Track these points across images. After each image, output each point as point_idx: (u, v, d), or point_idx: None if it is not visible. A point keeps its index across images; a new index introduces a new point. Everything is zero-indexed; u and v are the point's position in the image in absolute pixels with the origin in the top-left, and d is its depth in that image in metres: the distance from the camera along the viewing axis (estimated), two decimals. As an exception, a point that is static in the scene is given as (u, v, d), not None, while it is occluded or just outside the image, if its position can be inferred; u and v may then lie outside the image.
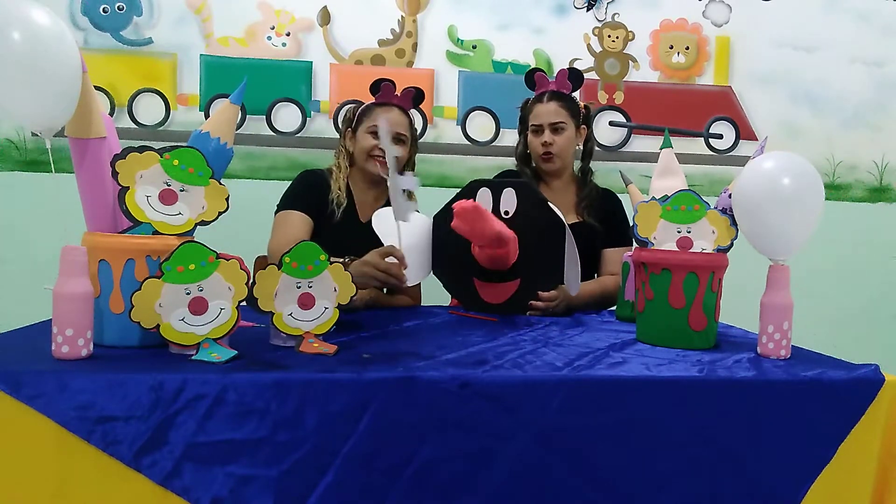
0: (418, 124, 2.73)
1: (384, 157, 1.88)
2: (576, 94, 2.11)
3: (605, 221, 2.05)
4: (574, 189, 2.12)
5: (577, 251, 1.60)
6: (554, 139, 2.03)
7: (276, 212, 1.92)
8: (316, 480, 1.01)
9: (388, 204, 1.77)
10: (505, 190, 1.73)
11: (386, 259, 1.57)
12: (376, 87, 1.91)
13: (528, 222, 1.70)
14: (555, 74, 2.07)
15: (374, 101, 1.94)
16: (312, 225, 1.89)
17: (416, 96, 1.96)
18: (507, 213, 1.73)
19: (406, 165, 1.98)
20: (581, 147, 2.13)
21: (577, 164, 2.16)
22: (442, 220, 1.78)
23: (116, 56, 2.63)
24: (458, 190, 1.79)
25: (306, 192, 1.92)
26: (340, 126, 2.03)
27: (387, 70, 2.75)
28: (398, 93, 1.94)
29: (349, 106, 2.02)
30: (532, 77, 2.08)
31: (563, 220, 1.69)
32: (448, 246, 1.77)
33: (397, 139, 1.90)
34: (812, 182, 1.31)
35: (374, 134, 1.88)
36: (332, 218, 1.90)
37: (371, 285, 1.63)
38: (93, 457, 0.96)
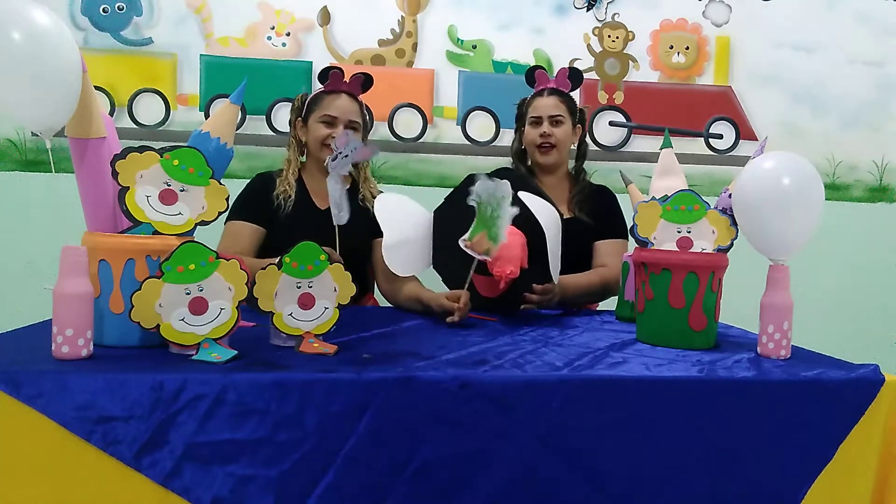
0: (418, 124, 2.76)
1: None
2: (575, 96, 2.12)
3: (598, 215, 2.05)
4: (567, 186, 2.13)
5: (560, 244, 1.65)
6: (553, 131, 2.04)
7: (226, 221, 1.88)
8: (316, 480, 1.01)
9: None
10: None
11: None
12: (324, 75, 1.88)
13: (522, 214, 1.70)
14: (555, 73, 2.09)
15: (322, 89, 1.91)
16: (262, 231, 1.88)
17: (364, 82, 1.92)
18: None
19: None
20: (576, 148, 2.15)
21: (570, 164, 2.17)
22: (442, 214, 1.81)
23: (116, 56, 2.63)
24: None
25: (253, 199, 1.90)
26: (290, 116, 2.00)
27: (387, 70, 2.75)
28: (346, 80, 1.91)
29: (298, 96, 2.00)
30: (532, 74, 2.10)
31: (558, 210, 1.73)
32: (447, 240, 1.77)
33: (350, 126, 1.89)
34: (812, 182, 1.31)
35: (327, 123, 1.88)
36: (285, 211, 1.89)
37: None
38: (93, 457, 0.96)
